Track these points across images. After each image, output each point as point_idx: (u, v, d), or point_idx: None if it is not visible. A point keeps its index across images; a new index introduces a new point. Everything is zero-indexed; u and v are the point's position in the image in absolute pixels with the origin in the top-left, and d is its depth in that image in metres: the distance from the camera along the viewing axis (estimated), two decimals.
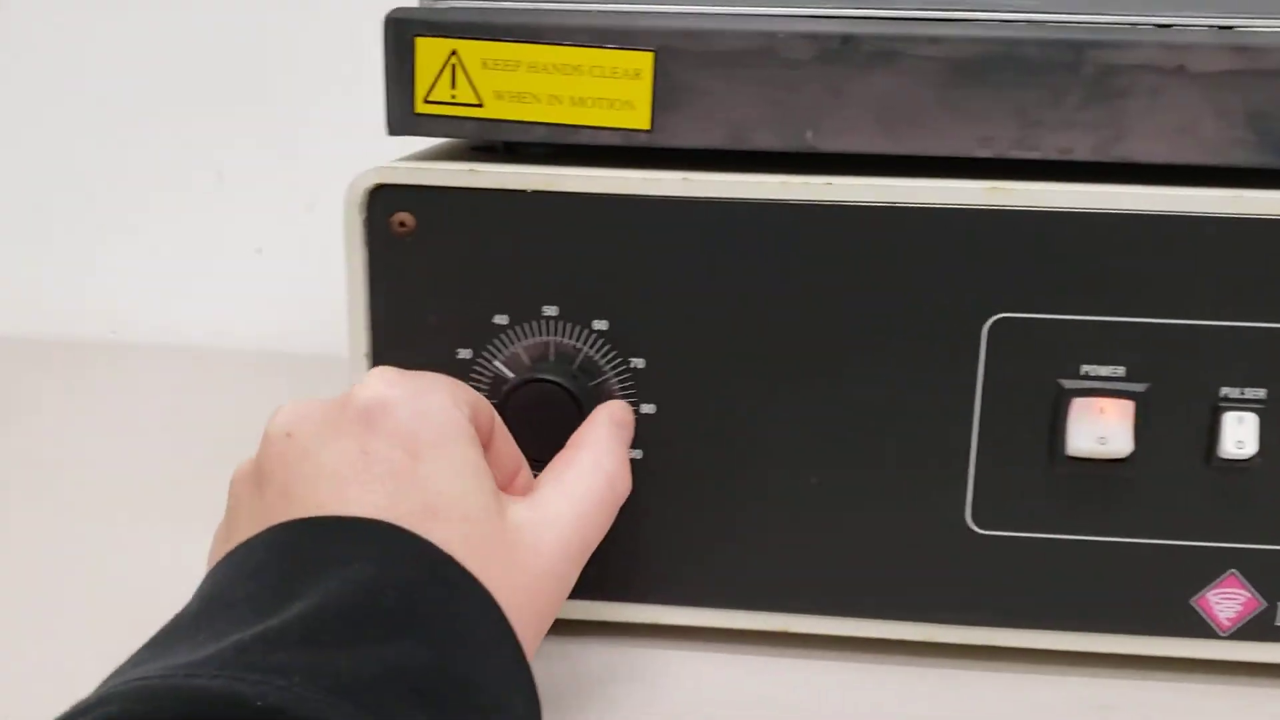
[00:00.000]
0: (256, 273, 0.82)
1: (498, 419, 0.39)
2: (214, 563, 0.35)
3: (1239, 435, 0.40)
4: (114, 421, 0.69)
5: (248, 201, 0.81)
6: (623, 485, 0.38)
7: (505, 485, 0.39)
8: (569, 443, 0.39)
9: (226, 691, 0.26)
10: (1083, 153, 0.39)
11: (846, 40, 0.39)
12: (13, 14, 0.81)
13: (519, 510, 0.35)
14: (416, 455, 0.33)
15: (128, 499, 0.58)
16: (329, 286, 0.42)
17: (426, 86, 0.40)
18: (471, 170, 0.41)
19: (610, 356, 0.42)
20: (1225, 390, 0.40)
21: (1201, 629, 0.42)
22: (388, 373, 0.36)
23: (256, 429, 0.36)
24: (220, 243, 0.82)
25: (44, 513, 0.56)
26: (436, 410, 0.34)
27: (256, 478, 0.35)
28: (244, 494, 0.35)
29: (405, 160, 0.43)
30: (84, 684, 0.29)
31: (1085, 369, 0.40)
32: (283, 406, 0.36)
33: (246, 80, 0.79)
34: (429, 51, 0.40)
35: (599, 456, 0.38)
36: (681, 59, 0.40)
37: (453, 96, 0.40)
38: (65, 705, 0.27)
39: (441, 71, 0.40)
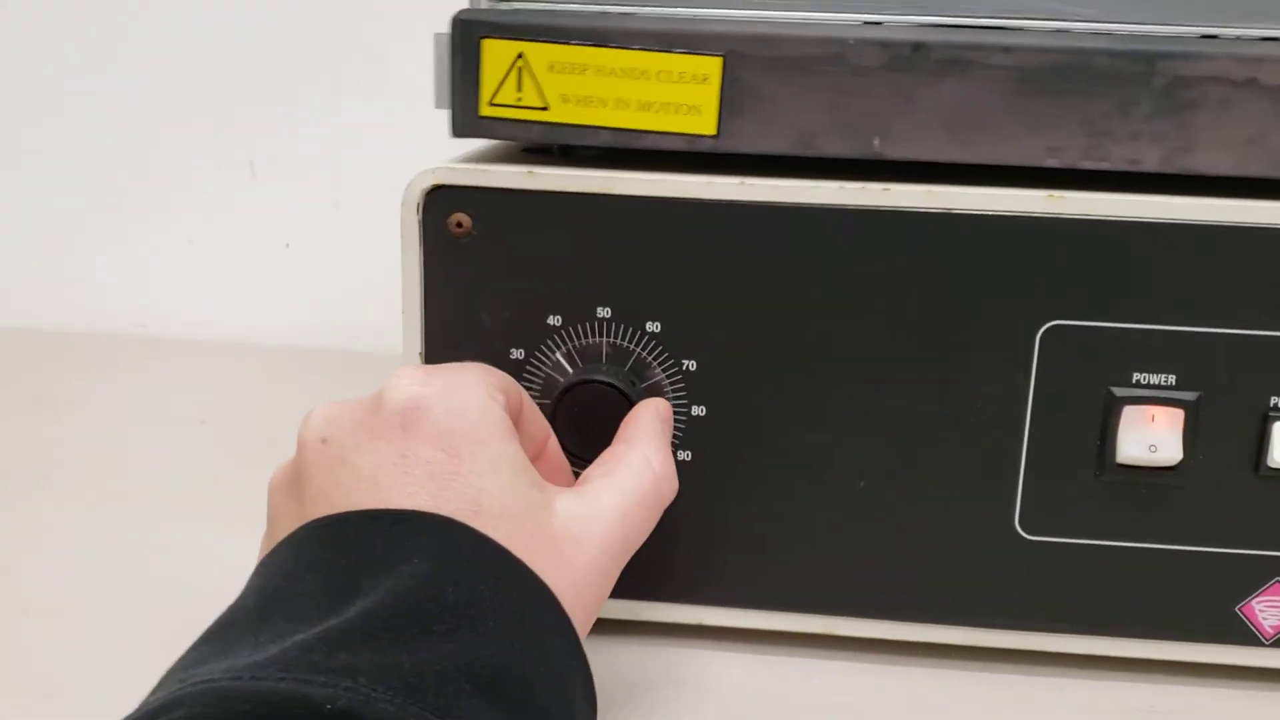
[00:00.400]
0: (285, 268, 0.81)
1: (525, 393, 0.39)
2: (261, 549, 0.35)
3: None
4: (144, 414, 0.68)
5: (278, 197, 0.80)
6: (669, 486, 0.38)
7: (535, 457, 0.39)
8: (617, 437, 0.39)
9: (295, 694, 0.26)
10: (1151, 164, 0.39)
11: (917, 48, 0.39)
12: (48, 5, 0.80)
13: (567, 503, 0.35)
14: (456, 454, 0.33)
15: (159, 492, 0.57)
16: (355, 282, 0.41)
17: (493, 88, 0.40)
18: (529, 173, 0.41)
19: (662, 358, 0.42)
20: (1276, 400, 0.40)
21: (1246, 636, 0.43)
22: (417, 371, 0.35)
23: (285, 423, 0.36)
24: (250, 238, 0.81)
25: (76, 506, 0.56)
26: (472, 407, 0.34)
27: (294, 485, 0.34)
28: (283, 503, 0.35)
29: (462, 161, 0.42)
30: (118, 674, 0.28)
31: (1137, 377, 0.41)
32: (314, 410, 0.35)
33: (278, 77, 0.79)
34: (496, 53, 0.40)
35: (649, 455, 0.38)
36: (750, 64, 0.39)
37: (519, 99, 0.40)
38: (88, 698, 0.27)
39: (508, 74, 0.40)
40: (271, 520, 0.35)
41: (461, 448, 0.33)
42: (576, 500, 0.35)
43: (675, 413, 0.42)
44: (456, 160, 0.43)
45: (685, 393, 0.42)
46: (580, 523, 0.35)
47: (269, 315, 0.82)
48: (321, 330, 0.80)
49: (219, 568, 0.37)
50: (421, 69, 0.44)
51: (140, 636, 0.43)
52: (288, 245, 0.82)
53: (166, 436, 0.65)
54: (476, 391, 0.35)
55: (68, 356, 0.78)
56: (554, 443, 0.40)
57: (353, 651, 0.27)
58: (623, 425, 0.39)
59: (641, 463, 0.37)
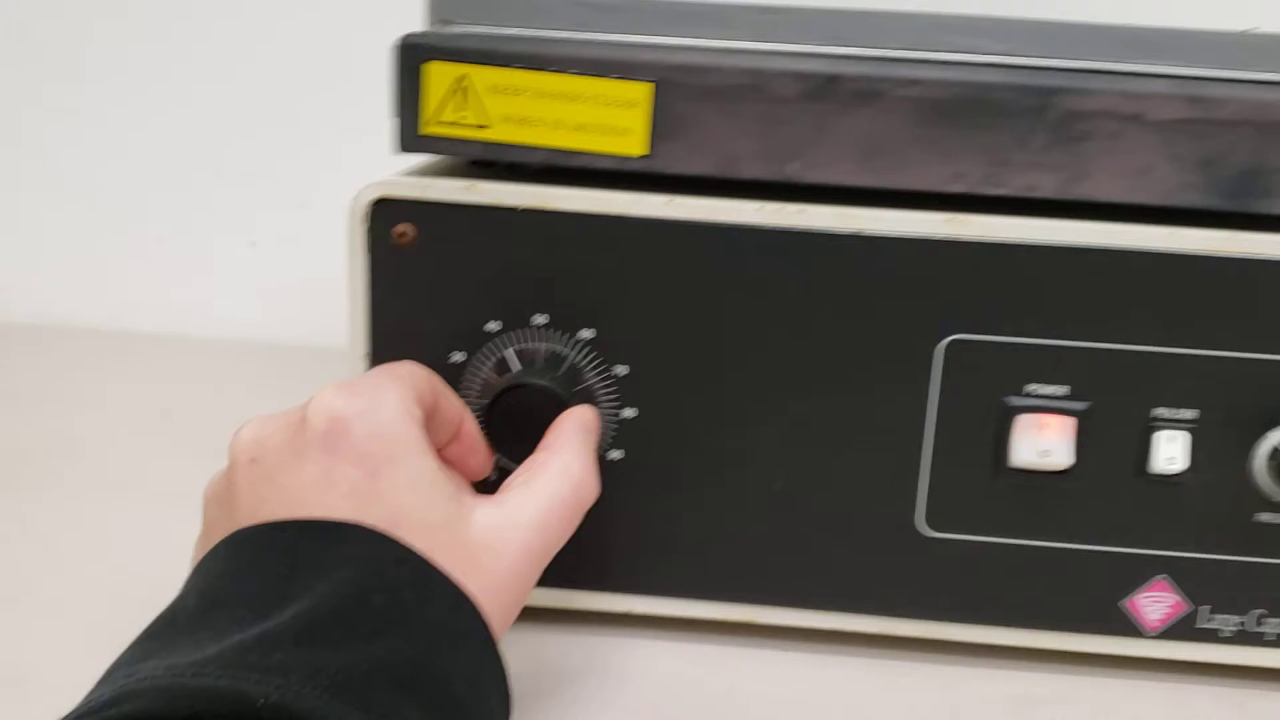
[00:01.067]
0: (250, 265, 0.84)
1: (438, 381, 0.41)
2: (195, 549, 0.38)
3: (1170, 452, 0.44)
4: (110, 407, 0.70)
5: (244, 197, 0.82)
6: (588, 491, 0.40)
7: (451, 439, 0.41)
8: (541, 444, 0.41)
9: (232, 690, 0.28)
10: (1046, 191, 0.43)
11: (831, 80, 0.42)
12: (22, 12, 0.81)
13: (486, 513, 0.37)
14: (375, 473, 0.35)
15: (126, 484, 0.59)
16: (318, 280, 0.44)
17: (435, 108, 0.43)
18: (470, 187, 0.43)
19: (596, 363, 0.45)
20: (1159, 410, 0.44)
21: (1130, 629, 0.46)
22: (340, 389, 0.37)
23: (246, 416, 0.38)
24: (217, 236, 0.83)
25: (40, 495, 0.58)
26: (390, 426, 0.36)
27: (226, 498, 0.37)
28: (216, 513, 0.37)
29: (407, 175, 0.45)
30: (78, 661, 0.31)
31: (1030, 388, 0.44)
32: (244, 428, 0.37)
33: (245, 82, 0.81)
34: (440, 75, 0.42)
35: (568, 462, 0.39)
36: (677, 91, 0.42)
37: (461, 118, 0.43)
38: (49, 688, 0.29)
39: (451, 95, 0.42)
40: (206, 527, 0.38)
41: (380, 466, 0.35)
42: (495, 510, 0.37)
43: (608, 414, 0.45)
44: (404, 173, 0.45)
45: (617, 396, 0.45)
46: (499, 531, 0.37)
47: (234, 311, 0.84)
48: (285, 325, 0.83)
49: (180, 558, 0.39)
50: (386, 71, 0.47)
51: (101, 624, 0.45)
52: (253, 244, 0.84)
53: (131, 428, 0.67)
54: (394, 410, 0.36)
55: (37, 350, 0.79)
56: (469, 425, 0.42)
57: (286, 652, 0.30)
58: (548, 432, 0.41)
59: (561, 470, 0.39)
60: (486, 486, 0.43)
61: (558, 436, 0.41)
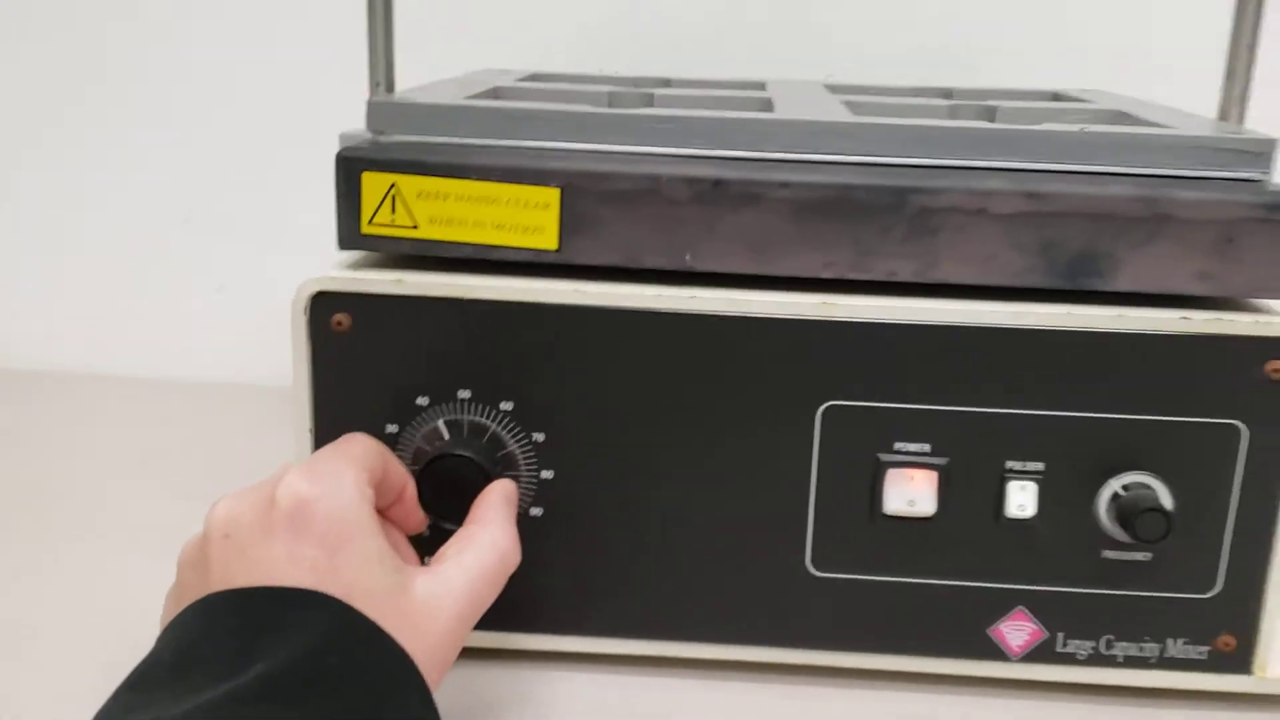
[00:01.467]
0: (219, 310, 0.89)
1: (387, 453, 0.46)
2: (165, 618, 0.43)
3: (1021, 500, 0.50)
4: (90, 450, 0.75)
5: (211, 245, 0.88)
6: (512, 560, 0.45)
7: (395, 502, 0.47)
8: (470, 517, 0.47)
9: None
10: (905, 275, 0.49)
11: (717, 184, 0.48)
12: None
13: (424, 583, 0.42)
14: (334, 551, 0.40)
15: (102, 522, 0.65)
16: (285, 324, 0.48)
17: (371, 211, 0.48)
18: (398, 280, 0.49)
19: (515, 431, 0.50)
20: (1010, 463, 0.50)
21: (996, 653, 0.52)
22: (305, 473, 0.42)
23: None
24: (186, 282, 0.89)
25: (17, 536, 0.63)
26: (346, 509, 0.41)
27: (201, 565, 0.42)
28: (191, 577, 0.42)
29: (345, 268, 0.50)
30: (56, 698, 0.36)
31: (898, 445, 0.50)
32: (219, 505, 0.42)
33: (212, 137, 0.86)
34: (373, 184, 0.48)
35: (495, 536, 0.45)
36: (583, 194, 0.48)
37: (392, 220, 0.48)
38: None
39: (383, 200, 0.48)
40: (181, 588, 0.43)
41: (338, 546, 0.41)
42: (432, 580, 0.43)
43: (527, 476, 0.51)
44: (342, 265, 0.51)
45: (536, 459, 0.51)
46: (436, 599, 0.42)
47: (205, 354, 0.89)
48: (254, 368, 0.87)
49: (158, 597, 0.44)
50: (343, 127, 0.53)
51: (79, 663, 0.51)
52: (221, 288, 0.90)
53: (109, 471, 0.72)
54: (351, 495, 0.42)
55: (12, 395, 0.85)
56: (410, 489, 0.48)
57: (253, 707, 0.35)
58: (474, 505, 0.47)
59: (490, 543, 0.45)
60: (422, 542, 0.49)
61: (485, 510, 0.47)
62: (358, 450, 0.45)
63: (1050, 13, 0.81)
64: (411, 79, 0.58)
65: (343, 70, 0.65)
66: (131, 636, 0.43)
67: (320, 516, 0.41)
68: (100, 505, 0.68)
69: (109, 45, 0.86)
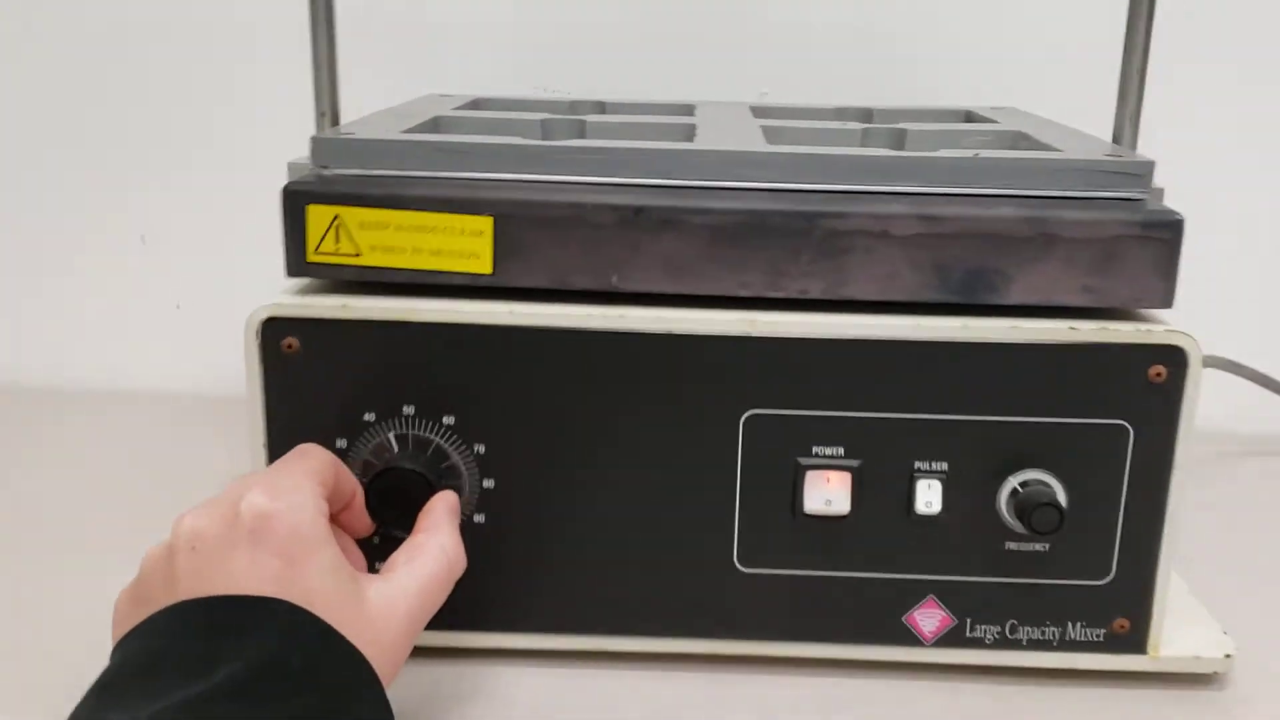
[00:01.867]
0: (177, 326, 0.92)
1: (339, 464, 0.50)
2: (122, 621, 0.45)
3: (928, 497, 0.54)
4: (43, 462, 0.78)
5: (168, 262, 0.91)
6: (459, 565, 0.49)
7: (345, 508, 0.50)
8: (417, 526, 0.50)
9: None
10: (815, 293, 0.52)
11: (639, 210, 0.51)
12: None
13: (377, 589, 0.46)
14: (293, 562, 0.43)
15: (61, 535, 0.67)
16: (240, 338, 0.52)
17: (316, 241, 0.52)
18: (344, 305, 0.52)
19: (457, 444, 0.54)
20: (918, 464, 0.54)
21: (911, 639, 0.56)
22: (267, 488, 0.44)
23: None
24: (144, 299, 0.92)
25: None
26: (305, 524, 0.44)
27: (168, 575, 0.44)
28: (159, 589, 0.44)
29: (293, 294, 0.53)
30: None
31: (815, 449, 0.53)
32: (185, 519, 0.45)
33: (170, 153, 0.89)
34: (317, 215, 0.51)
35: (443, 543, 0.49)
36: (515, 222, 0.52)
37: (336, 249, 0.52)
38: None
39: (328, 230, 0.51)
40: (144, 594, 0.45)
41: (298, 558, 0.44)
42: (385, 586, 0.46)
43: (470, 485, 0.54)
44: (291, 291, 0.54)
45: (477, 470, 0.54)
46: (388, 604, 0.46)
47: (165, 369, 0.92)
48: (211, 381, 0.90)
49: (109, 612, 0.47)
50: (293, 145, 0.55)
51: (36, 675, 0.54)
52: (178, 306, 0.92)
53: (70, 485, 0.75)
54: (309, 510, 0.45)
55: None
56: (359, 496, 0.51)
57: (223, 705, 0.38)
58: (421, 515, 0.50)
59: (438, 550, 0.48)
60: (371, 549, 0.53)
61: (433, 520, 0.50)
62: (313, 464, 0.48)
63: (976, 32, 0.85)
64: (358, 96, 0.61)
65: (290, 94, 0.68)
66: (90, 648, 0.45)
67: (281, 530, 0.44)
68: (60, 518, 0.70)
69: (67, 67, 0.88)
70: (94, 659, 0.43)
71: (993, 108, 0.74)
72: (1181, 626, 0.57)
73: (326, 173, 0.53)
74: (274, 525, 0.44)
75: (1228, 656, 0.56)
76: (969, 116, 0.71)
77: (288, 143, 0.59)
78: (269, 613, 0.42)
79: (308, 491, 0.46)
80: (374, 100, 0.66)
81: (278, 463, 0.49)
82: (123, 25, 0.88)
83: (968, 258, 0.51)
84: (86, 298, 0.93)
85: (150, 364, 0.93)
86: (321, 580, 0.44)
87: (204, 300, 0.92)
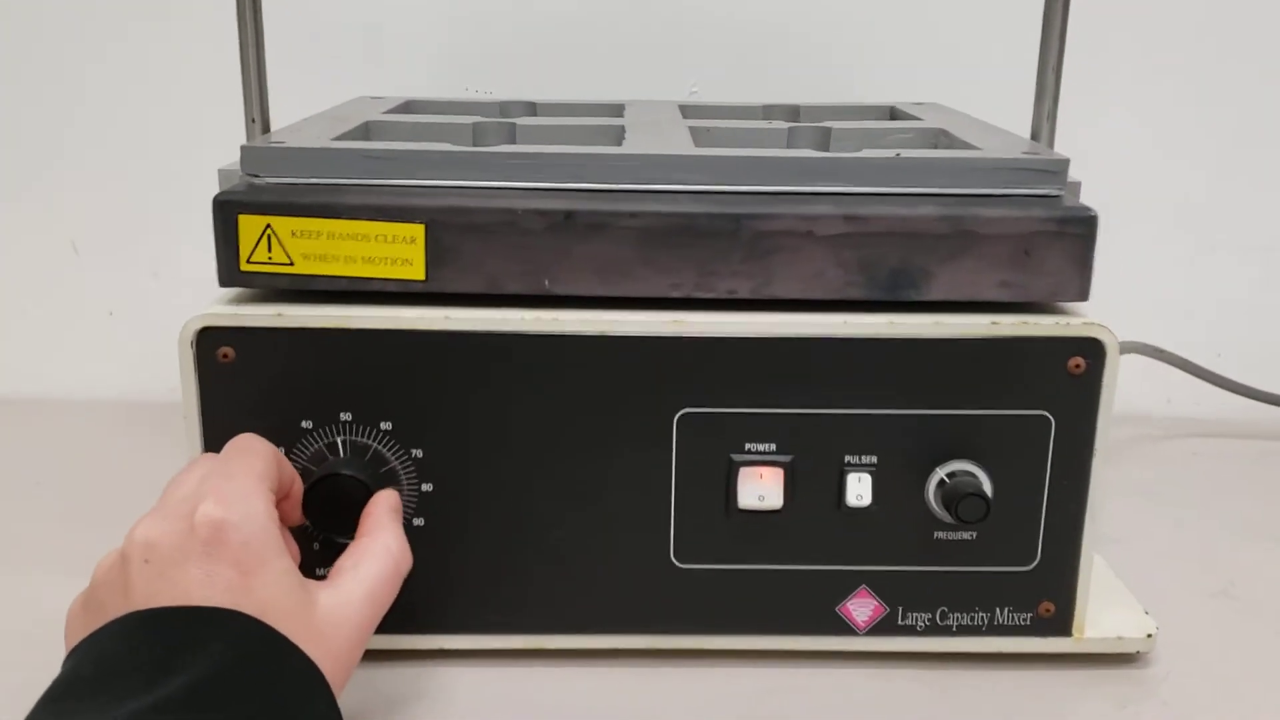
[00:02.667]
0: (110, 332, 0.92)
1: (280, 456, 0.50)
2: (74, 629, 0.45)
3: (859, 490, 0.55)
4: None
5: (100, 270, 0.90)
6: (405, 563, 0.50)
7: (284, 497, 0.51)
8: (360, 529, 0.50)
9: None
10: (744, 293, 0.53)
11: (568, 215, 0.52)
12: None
13: (326, 596, 0.46)
14: (247, 573, 0.44)
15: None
16: (173, 343, 0.52)
17: (248, 251, 0.52)
18: (278, 314, 0.53)
19: (395, 449, 0.54)
20: (848, 458, 0.55)
21: (844, 629, 0.57)
22: (220, 499, 0.45)
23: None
24: (77, 307, 0.91)
25: None
26: (258, 535, 0.45)
27: (120, 585, 0.44)
28: (112, 599, 0.44)
29: (227, 304, 0.54)
30: None
31: (748, 445, 0.55)
32: (138, 531, 0.45)
33: (101, 161, 0.88)
34: (249, 225, 0.51)
35: (386, 542, 0.49)
36: (446, 229, 0.52)
37: (269, 258, 0.52)
38: None
39: (259, 240, 0.52)
40: (97, 606, 0.45)
41: (252, 567, 0.44)
42: (334, 593, 0.47)
43: (409, 489, 0.54)
44: (225, 301, 0.54)
45: (416, 474, 0.55)
46: (338, 609, 0.46)
47: (98, 376, 0.91)
48: (145, 387, 0.90)
49: (57, 622, 0.47)
50: (225, 150, 0.55)
51: None
52: (111, 313, 0.92)
53: (4, 496, 0.74)
54: (262, 520, 0.45)
55: None
56: (297, 486, 0.52)
57: (176, 716, 0.38)
58: (364, 516, 0.51)
59: (382, 550, 0.49)
60: (312, 555, 0.53)
61: (374, 521, 0.51)
62: (259, 465, 0.48)
63: (901, 29, 0.87)
64: (287, 99, 0.61)
65: (224, 97, 0.68)
66: (36, 657, 0.45)
67: (235, 542, 0.44)
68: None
69: None
70: (38, 674, 0.43)
71: (916, 103, 0.75)
72: (1105, 608, 0.59)
73: (257, 181, 0.53)
74: (228, 536, 0.44)
75: (1149, 636, 0.58)
76: (893, 113, 0.73)
77: (221, 148, 0.59)
78: (220, 624, 0.43)
79: (260, 499, 0.46)
80: (304, 103, 0.66)
81: (223, 460, 0.49)
82: (52, 30, 0.87)
83: (890, 256, 0.53)
84: (16, 305, 0.91)
85: (83, 372, 0.92)
86: (275, 591, 0.44)
87: (137, 308, 0.91)
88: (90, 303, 0.91)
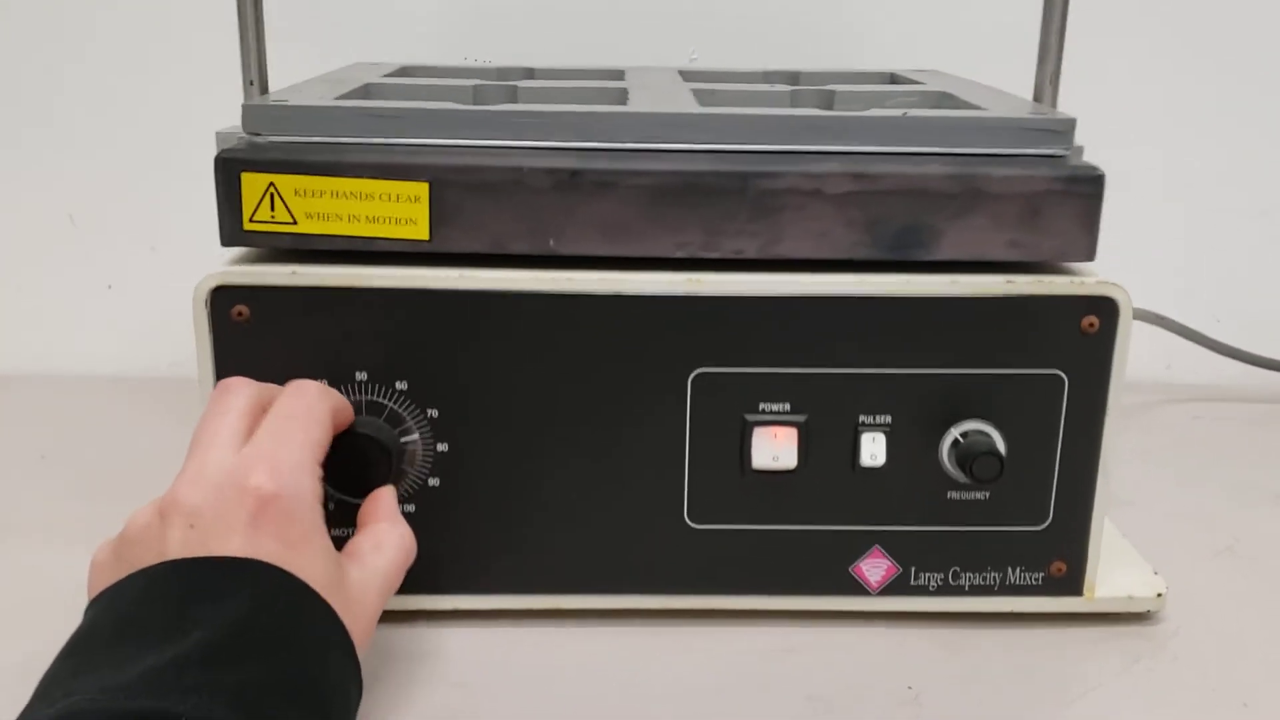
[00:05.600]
0: (109, 306, 0.91)
1: (336, 407, 0.50)
2: (100, 576, 0.45)
3: (873, 450, 0.55)
4: None
5: (97, 243, 0.89)
6: (413, 556, 0.51)
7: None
8: (371, 515, 0.51)
9: (157, 710, 0.37)
10: (751, 253, 0.53)
11: (575, 174, 0.51)
12: None
13: (355, 572, 0.47)
14: (291, 547, 0.44)
15: (6, 520, 0.66)
16: (173, 316, 0.51)
17: (251, 209, 0.51)
18: (293, 272, 0.52)
19: (411, 409, 0.54)
20: (862, 418, 0.55)
21: (857, 589, 0.57)
22: (268, 468, 0.45)
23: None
24: (75, 281, 0.90)
25: None
26: (304, 511, 0.45)
27: (157, 548, 0.43)
28: (144, 555, 0.44)
29: (240, 263, 0.53)
30: None
31: (762, 406, 0.54)
32: (183, 489, 0.44)
33: (96, 132, 0.87)
34: (252, 183, 0.51)
35: (403, 533, 0.50)
36: (451, 187, 0.51)
37: (272, 217, 0.51)
38: None
39: (262, 198, 0.51)
40: (130, 557, 0.44)
41: (294, 541, 0.44)
42: (361, 569, 0.48)
43: (424, 449, 0.54)
44: (237, 261, 0.54)
45: (431, 433, 0.54)
46: (364, 584, 0.47)
47: (97, 350, 0.90)
48: (146, 361, 0.89)
49: (63, 595, 0.47)
50: (222, 124, 0.55)
51: None
52: (110, 286, 0.91)
53: (7, 469, 0.73)
54: (308, 496, 0.45)
55: None
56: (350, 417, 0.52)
57: (194, 672, 0.38)
58: (370, 503, 0.51)
59: (399, 540, 0.50)
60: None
61: (387, 509, 0.51)
62: (316, 434, 0.48)
63: None
64: (280, 68, 0.61)
65: (218, 69, 0.67)
66: (45, 631, 0.44)
67: (282, 516, 0.44)
68: (3, 504, 0.69)
69: None
70: (47, 647, 0.42)
71: (916, 70, 0.75)
72: (1114, 568, 0.59)
73: (259, 140, 0.52)
74: (274, 510, 0.44)
75: (1159, 595, 0.58)
76: (894, 79, 0.72)
77: (218, 119, 0.58)
78: (241, 573, 0.42)
79: (311, 474, 0.46)
80: (297, 73, 0.65)
81: (283, 419, 0.48)
82: (46, 2, 0.85)
83: (899, 214, 0.52)
84: (14, 280, 0.90)
85: (82, 346, 0.91)
86: (315, 566, 0.44)
87: (136, 282, 0.90)
88: (89, 277, 0.90)
